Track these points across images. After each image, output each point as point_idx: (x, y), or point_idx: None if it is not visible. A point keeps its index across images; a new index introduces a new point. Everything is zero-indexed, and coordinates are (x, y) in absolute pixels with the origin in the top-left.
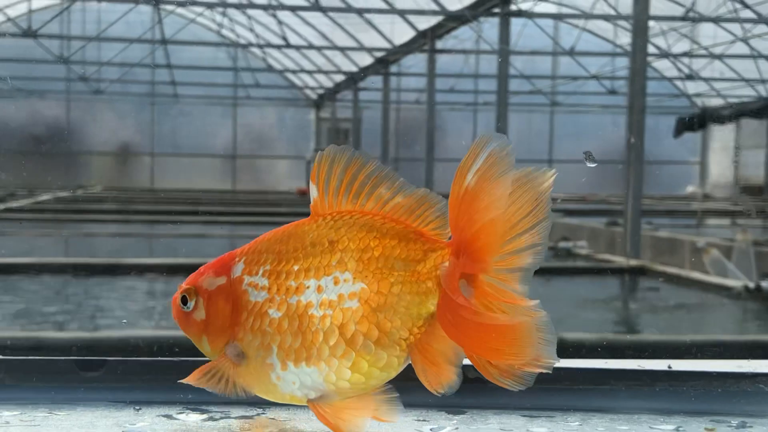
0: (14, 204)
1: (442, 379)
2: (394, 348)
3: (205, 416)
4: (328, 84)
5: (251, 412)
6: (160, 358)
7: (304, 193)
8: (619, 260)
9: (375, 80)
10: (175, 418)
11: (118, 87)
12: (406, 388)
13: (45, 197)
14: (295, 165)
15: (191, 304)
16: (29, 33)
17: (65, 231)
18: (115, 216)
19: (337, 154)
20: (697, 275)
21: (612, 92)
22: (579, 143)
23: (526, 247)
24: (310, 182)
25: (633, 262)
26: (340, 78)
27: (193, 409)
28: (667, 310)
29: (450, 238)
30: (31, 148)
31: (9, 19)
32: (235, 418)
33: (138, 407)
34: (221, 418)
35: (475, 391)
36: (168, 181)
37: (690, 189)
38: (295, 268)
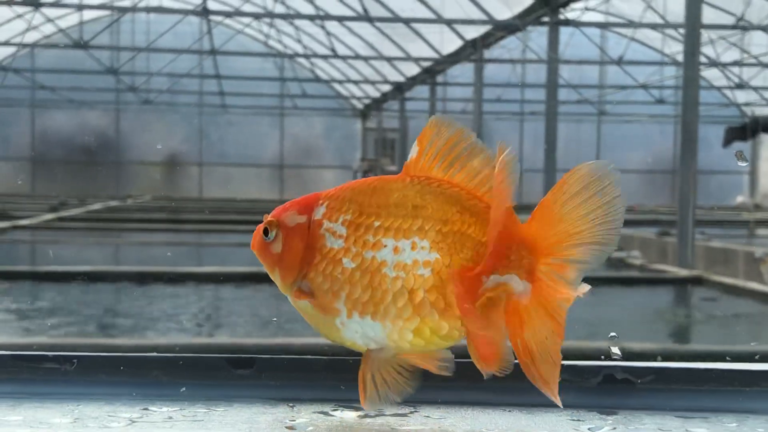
0: (66, 213)
1: (492, 360)
2: (456, 321)
3: (360, 413)
4: (375, 94)
5: (405, 410)
6: (309, 357)
7: None
8: (674, 270)
9: (422, 90)
10: (332, 415)
11: (166, 97)
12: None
13: (96, 206)
14: (342, 175)
15: (272, 235)
16: (80, 44)
17: (117, 239)
18: (164, 225)
19: (443, 124)
20: (754, 285)
21: (660, 101)
22: (627, 152)
23: (592, 242)
24: (415, 142)
25: (689, 272)
26: (386, 88)
27: (347, 406)
28: (736, 321)
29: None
30: (82, 157)
31: (60, 30)
32: (390, 415)
33: (292, 404)
34: (376, 415)
35: (624, 392)
36: (216, 190)
37: (740, 199)
38: (376, 224)
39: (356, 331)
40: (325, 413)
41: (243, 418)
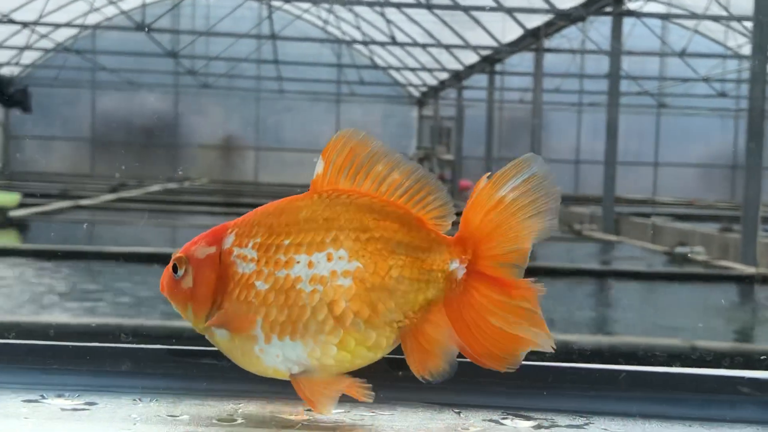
0: (126, 194)
1: (431, 366)
2: (384, 329)
3: (533, 423)
4: (432, 82)
5: (577, 421)
6: (470, 360)
7: None
8: (740, 267)
9: (480, 78)
10: (503, 424)
11: (225, 81)
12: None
13: (155, 188)
14: None
15: (181, 272)
16: (142, 27)
17: (175, 221)
18: (221, 208)
19: (349, 136)
20: None
21: (722, 95)
22: (686, 146)
23: (527, 233)
24: (320, 158)
25: (756, 270)
26: (444, 76)
27: (515, 415)
28: None
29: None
30: (141, 139)
31: (122, 12)
32: (565, 426)
33: (458, 410)
34: (550, 426)
35: None
36: (271, 175)
37: None
38: (286, 242)
39: (277, 356)
40: (496, 421)
41: (413, 424)
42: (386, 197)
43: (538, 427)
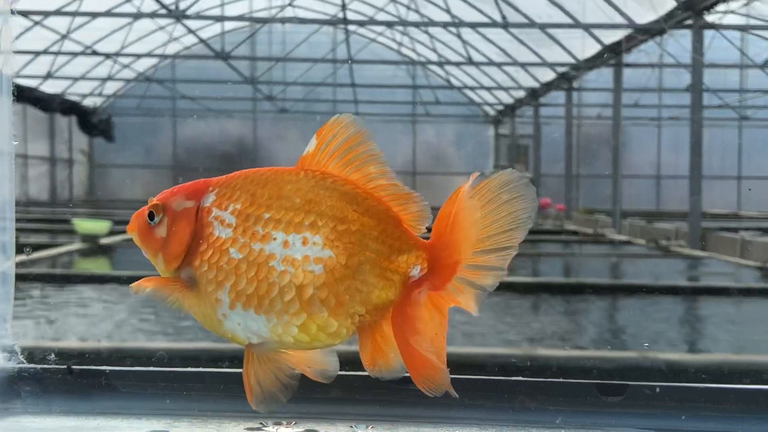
0: None
1: (381, 363)
2: (346, 320)
3: None
4: (508, 100)
5: None
6: (685, 384)
7: None
8: None
9: (557, 95)
10: None
11: (302, 106)
12: None
13: None
14: None
15: (157, 219)
16: (221, 55)
17: None
18: None
19: (346, 123)
20: None
21: None
22: None
23: (499, 247)
24: (314, 136)
25: None
26: (520, 94)
27: None
28: None
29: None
30: (222, 165)
31: (201, 41)
32: None
33: None
34: None
35: None
36: None
37: None
38: (266, 215)
39: (238, 323)
40: None
41: None
42: (371, 190)
43: None
